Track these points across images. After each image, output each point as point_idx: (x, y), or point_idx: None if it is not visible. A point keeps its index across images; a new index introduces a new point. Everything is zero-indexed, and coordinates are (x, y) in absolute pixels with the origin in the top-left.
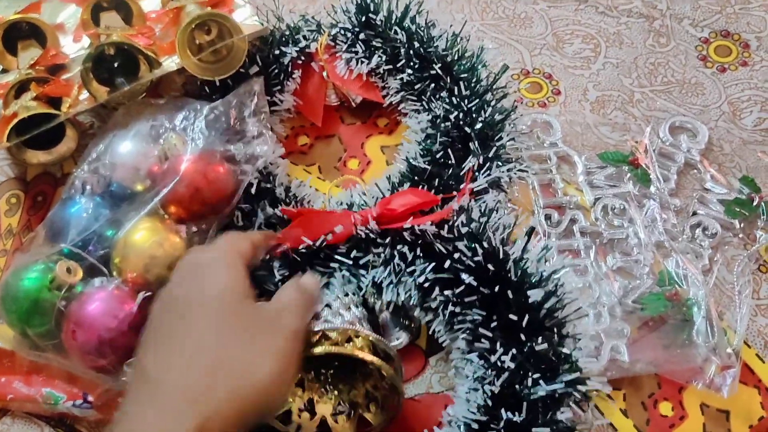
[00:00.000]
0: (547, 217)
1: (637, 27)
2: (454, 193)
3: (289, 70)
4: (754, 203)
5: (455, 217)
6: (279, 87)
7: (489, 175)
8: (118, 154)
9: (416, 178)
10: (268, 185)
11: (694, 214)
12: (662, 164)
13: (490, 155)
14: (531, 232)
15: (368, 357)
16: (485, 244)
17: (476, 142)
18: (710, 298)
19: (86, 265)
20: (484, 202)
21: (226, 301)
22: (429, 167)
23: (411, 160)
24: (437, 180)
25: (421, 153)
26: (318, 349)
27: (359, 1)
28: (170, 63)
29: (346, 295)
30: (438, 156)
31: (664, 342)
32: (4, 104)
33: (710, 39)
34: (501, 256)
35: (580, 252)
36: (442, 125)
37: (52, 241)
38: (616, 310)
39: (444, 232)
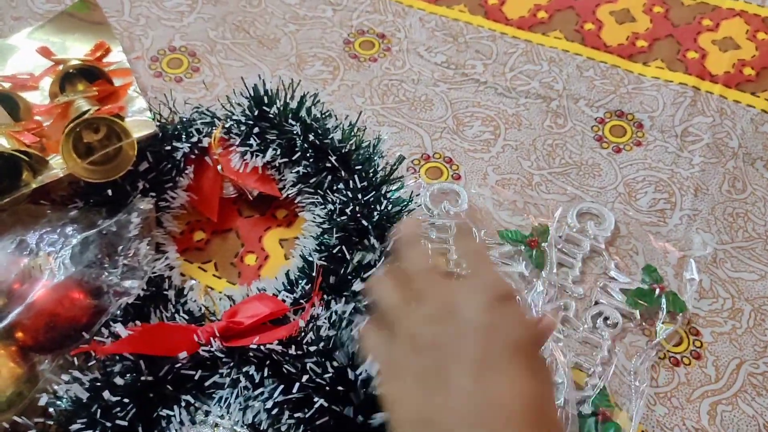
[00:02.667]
0: None
1: (535, 108)
2: (303, 303)
3: (182, 165)
4: (656, 294)
5: (303, 333)
6: (171, 184)
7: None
8: None
9: (313, 274)
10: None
11: (596, 303)
12: (568, 251)
13: (389, 248)
14: None
15: None
16: (336, 362)
17: (372, 236)
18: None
19: None
20: (335, 312)
21: None
22: (325, 263)
23: (306, 256)
24: (334, 277)
25: (317, 249)
26: None
27: (253, 94)
28: (56, 171)
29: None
30: (335, 251)
31: None
32: None
33: (605, 119)
34: (349, 376)
35: None
36: (339, 219)
37: None
38: None
39: (292, 350)
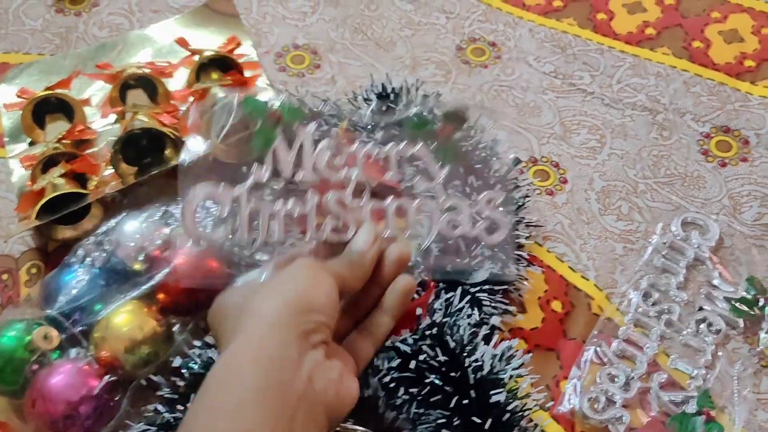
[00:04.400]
0: None
1: (641, 120)
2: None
3: None
4: (759, 304)
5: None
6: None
7: None
8: (124, 232)
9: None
10: None
11: (700, 309)
12: (672, 258)
13: None
14: (492, 330)
15: None
16: (450, 345)
17: None
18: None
19: (68, 334)
20: (448, 299)
21: None
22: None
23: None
24: None
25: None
26: None
27: (380, 91)
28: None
29: None
30: None
31: None
32: (32, 178)
33: (711, 134)
34: (462, 359)
35: None
36: None
37: (42, 304)
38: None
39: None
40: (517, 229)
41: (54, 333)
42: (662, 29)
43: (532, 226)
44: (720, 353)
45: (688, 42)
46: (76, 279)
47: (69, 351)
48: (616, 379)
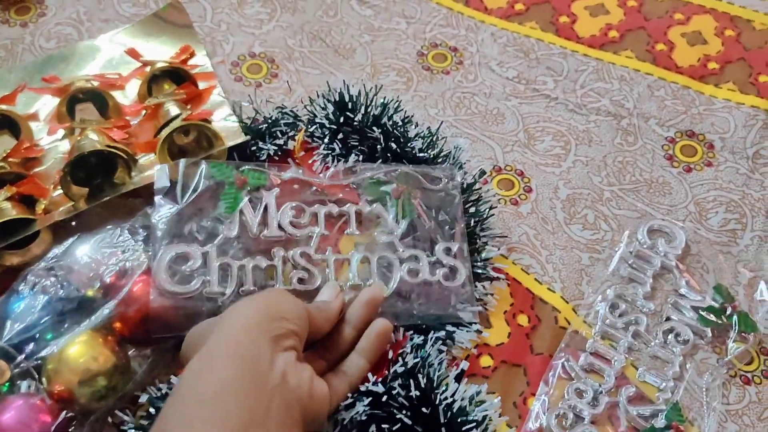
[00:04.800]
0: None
1: (606, 125)
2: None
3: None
4: (727, 313)
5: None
6: None
7: None
8: (76, 257)
9: None
10: None
11: (668, 319)
12: (639, 267)
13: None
14: (461, 374)
15: None
16: (420, 383)
17: None
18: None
19: (18, 367)
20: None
21: None
22: None
23: None
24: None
25: None
26: None
27: (337, 99)
28: (152, 172)
29: None
30: None
31: None
32: None
33: (676, 138)
34: (432, 397)
35: None
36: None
37: None
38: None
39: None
40: (476, 275)
41: (3, 365)
42: (625, 32)
43: (497, 237)
44: (688, 364)
45: (651, 45)
46: (26, 307)
47: (20, 385)
48: (584, 395)
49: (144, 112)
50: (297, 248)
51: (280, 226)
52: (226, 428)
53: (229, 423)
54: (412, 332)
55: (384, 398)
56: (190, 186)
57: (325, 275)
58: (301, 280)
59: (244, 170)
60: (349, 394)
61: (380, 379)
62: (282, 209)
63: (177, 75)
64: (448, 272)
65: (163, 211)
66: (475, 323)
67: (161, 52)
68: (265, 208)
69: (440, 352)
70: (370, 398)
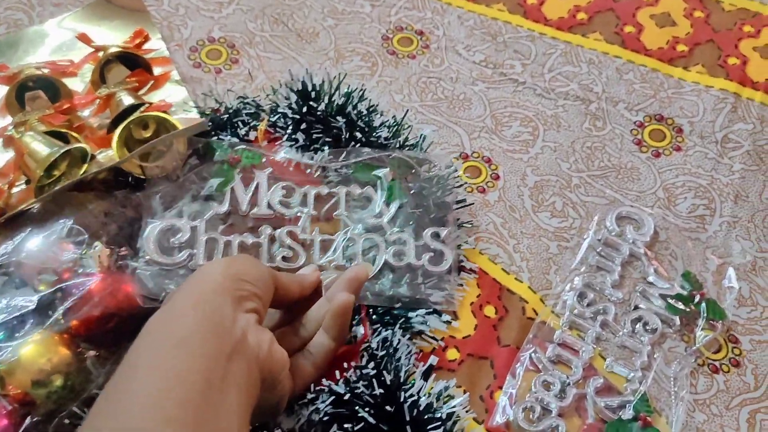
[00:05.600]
0: None
1: (574, 110)
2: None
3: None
4: (695, 300)
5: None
6: None
7: None
8: (26, 251)
9: None
10: None
11: (636, 308)
12: (607, 255)
13: None
14: (429, 370)
15: None
16: (385, 380)
17: None
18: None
19: None
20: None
21: None
22: None
23: None
24: None
25: None
26: None
27: (300, 88)
28: (102, 162)
29: None
30: None
31: None
32: None
33: (645, 123)
34: (398, 395)
35: None
36: None
37: None
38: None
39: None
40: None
41: None
42: (594, 14)
43: (464, 225)
44: (656, 353)
45: (620, 27)
46: None
47: None
48: (551, 387)
49: (98, 101)
50: (284, 227)
51: (269, 205)
52: (192, 368)
53: (196, 363)
54: (378, 326)
55: (347, 396)
56: (184, 162)
57: (310, 255)
58: (285, 259)
59: (238, 150)
60: (309, 393)
61: (342, 380)
62: (272, 188)
63: (131, 60)
64: (434, 256)
65: (156, 186)
66: (450, 307)
67: (113, 36)
68: (257, 187)
69: (408, 347)
70: (332, 397)
